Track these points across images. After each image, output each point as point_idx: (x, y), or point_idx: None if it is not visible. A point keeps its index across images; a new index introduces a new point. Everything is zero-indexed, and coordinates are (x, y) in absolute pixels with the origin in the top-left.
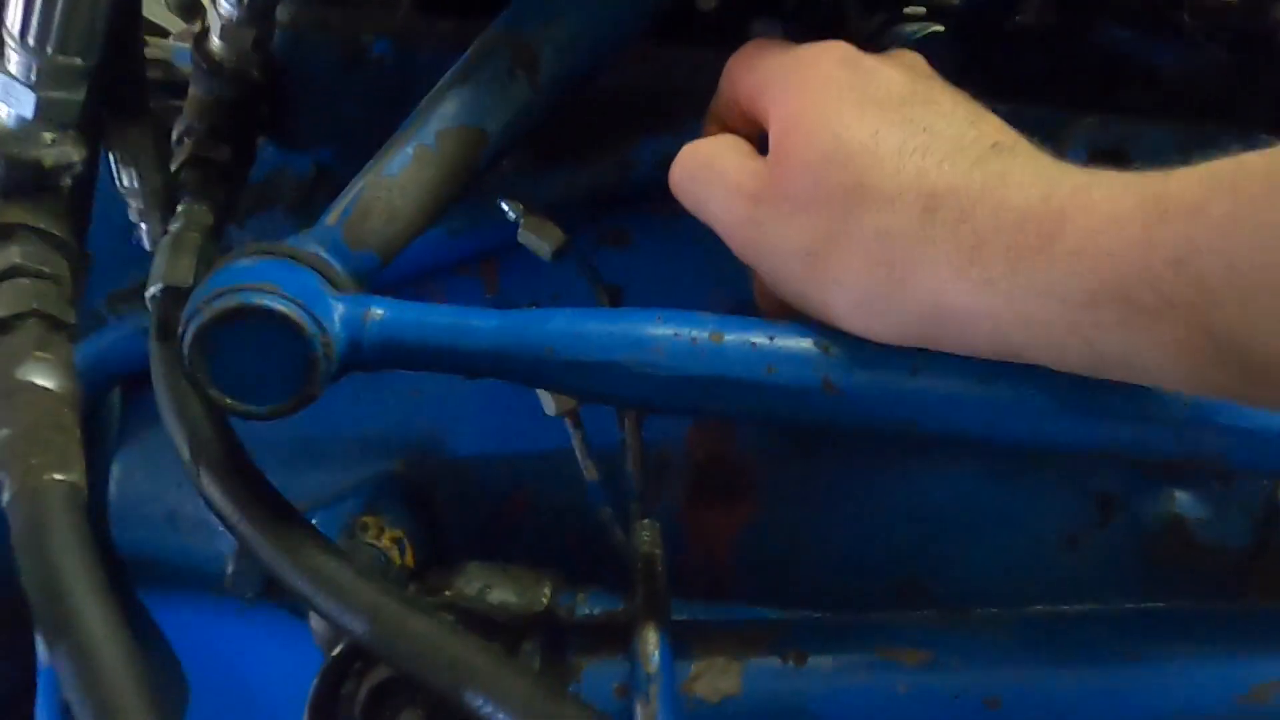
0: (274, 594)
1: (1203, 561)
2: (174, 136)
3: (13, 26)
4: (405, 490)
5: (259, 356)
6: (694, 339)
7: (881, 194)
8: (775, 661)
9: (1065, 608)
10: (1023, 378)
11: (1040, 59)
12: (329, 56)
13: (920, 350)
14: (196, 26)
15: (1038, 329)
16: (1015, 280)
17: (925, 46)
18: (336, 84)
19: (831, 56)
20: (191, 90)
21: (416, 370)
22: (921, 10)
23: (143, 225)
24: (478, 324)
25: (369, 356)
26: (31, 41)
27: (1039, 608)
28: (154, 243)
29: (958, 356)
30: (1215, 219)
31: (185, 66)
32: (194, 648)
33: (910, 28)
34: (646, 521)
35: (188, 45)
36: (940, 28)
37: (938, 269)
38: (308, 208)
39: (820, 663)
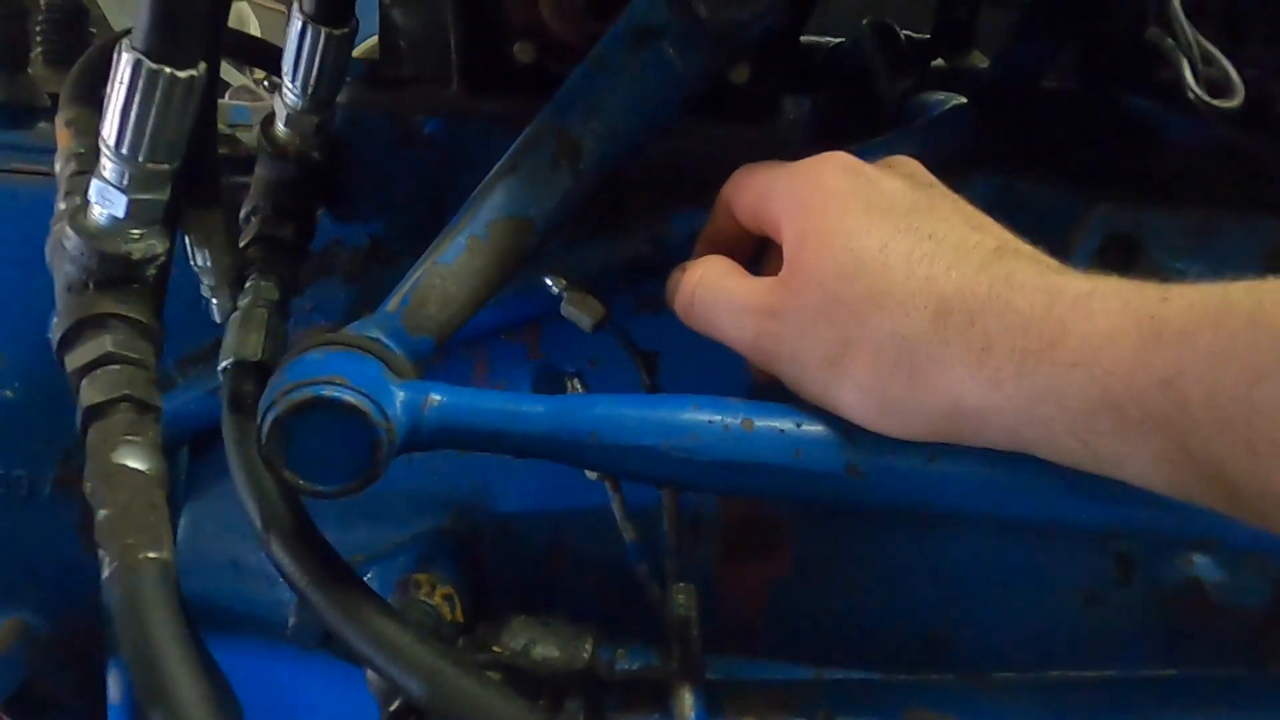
0: (331, 643)
1: (1220, 624)
2: (241, 214)
3: (109, 138)
4: (454, 545)
5: (328, 442)
6: (726, 425)
7: (894, 300)
8: None
9: (1084, 673)
10: (1035, 463)
11: (1062, 125)
12: (383, 135)
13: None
14: (247, 78)
15: (1042, 428)
16: (1021, 383)
17: (951, 115)
18: (390, 161)
19: (835, 167)
20: (258, 171)
21: (470, 450)
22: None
23: (214, 300)
24: (527, 410)
25: (427, 439)
26: (125, 150)
27: (1058, 673)
28: (224, 316)
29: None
30: (1201, 349)
31: (243, 129)
32: (253, 691)
33: (935, 96)
34: (683, 585)
35: (244, 102)
36: (964, 99)
37: (952, 370)
38: (363, 277)
39: None
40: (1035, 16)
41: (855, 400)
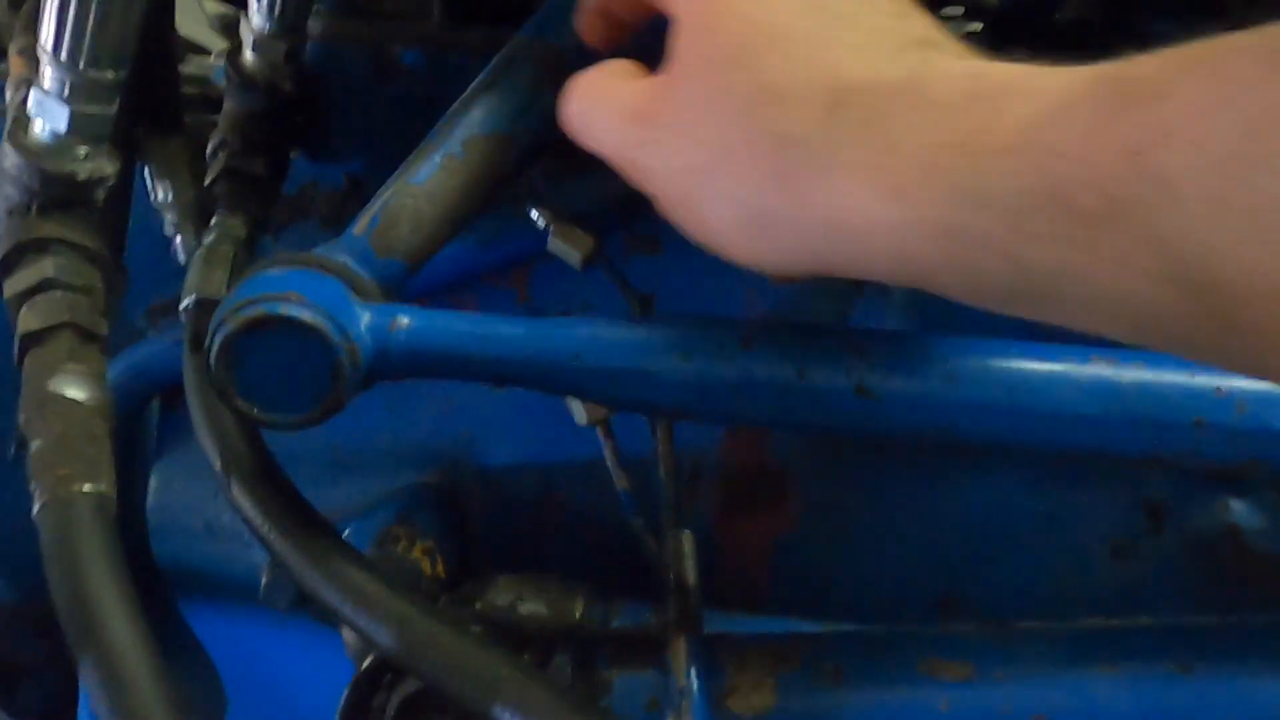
0: (308, 605)
1: (1259, 572)
2: (209, 150)
3: (46, 42)
4: (437, 500)
5: (285, 366)
6: (721, 343)
7: (782, 92)
8: (811, 676)
9: (1113, 621)
10: (1065, 381)
11: (1081, 57)
12: (360, 68)
13: (957, 354)
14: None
15: (952, 245)
16: (931, 187)
17: None
18: (367, 95)
19: None
20: (225, 104)
21: (443, 378)
22: (959, 10)
23: (178, 238)
24: (504, 331)
25: (396, 365)
26: (64, 56)
27: (1085, 621)
28: (189, 255)
29: (996, 360)
30: (1189, 100)
31: (222, 84)
32: (231, 657)
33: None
34: (682, 532)
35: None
36: (978, 25)
37: (841, 177)
38: (340, 220)
39: (859, 678)
40: None
41: (724, 217)
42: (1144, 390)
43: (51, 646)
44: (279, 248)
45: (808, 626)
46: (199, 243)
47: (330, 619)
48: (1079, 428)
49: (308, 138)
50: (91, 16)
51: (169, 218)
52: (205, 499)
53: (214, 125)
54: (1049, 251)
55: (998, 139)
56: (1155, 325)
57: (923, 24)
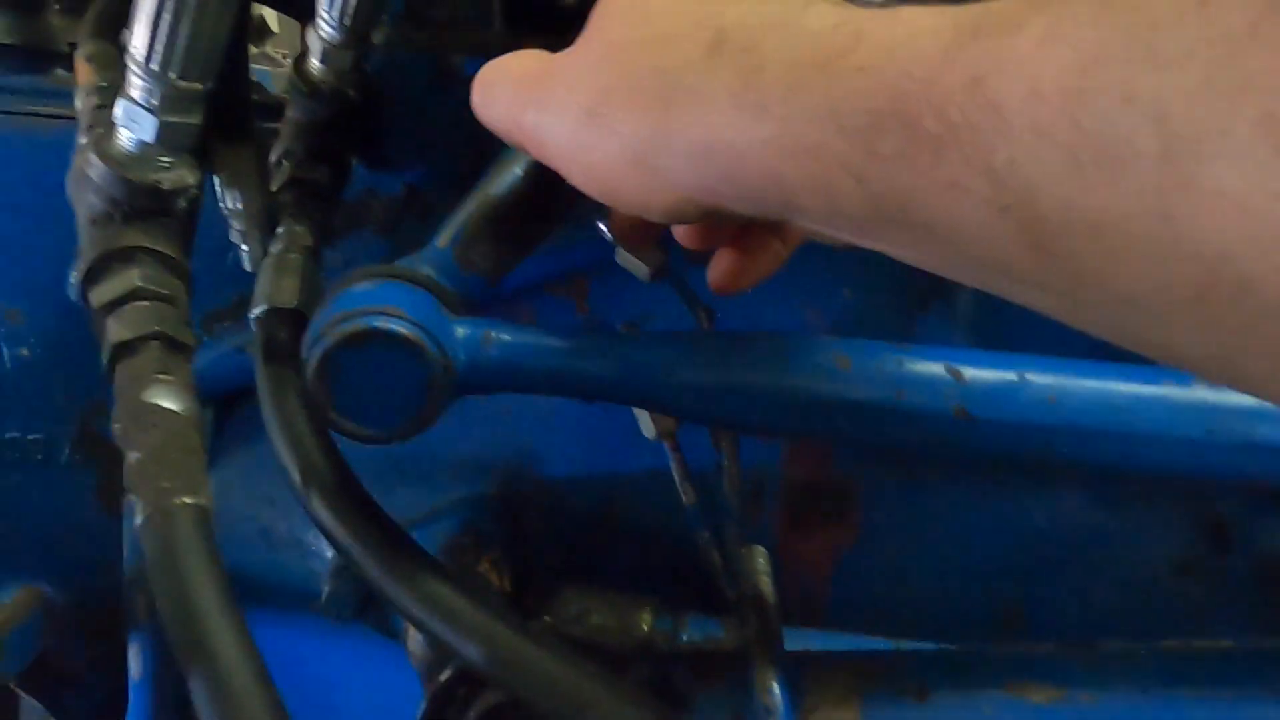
0: (367, 615)
1: None
2: (273, 158)
3: (137, 53)
4: (497, 511)
5: (380, 380)
6: (819, 362)
7: (667, 37)
8: (895, 694)
9: (1201, 642)
10: (1168, 405)
11: None
12: (421, 77)
13: (1056, 376)
14: (266, 48)
15: (810, 164)
16: (791, 102)
17: None
18: (427, 104)
19: None
20: (289, 112)
21: (531, 394)
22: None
23: (243, 247)
24: (598, 347)
25: (487, 379)
26: (155, 67)
27: (1172, 642)
28: (255, 264)
29: (1096, 383)
30: (1032, 35)
31: (270, 89)
32: (284, 665)
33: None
34: (756, 548)
35: (264, 66)
36: None
37: (714, 99)
38: (397, 229)
39: (944, 697)
40: None
41: (611, 156)
42: (1247, 413)
43: (99, 650)
44: (336, 256)
45: (869, 642)
46: (265, 251)
47: (393, 628)
48: (1182, 451)
49: (366, 146)
50: (185, 28)
51: (236, 225)
52: (261, 506)
53: (269, 132)
54: (895, 174)
55: (856, 60)
56: (987, 258)
57: None
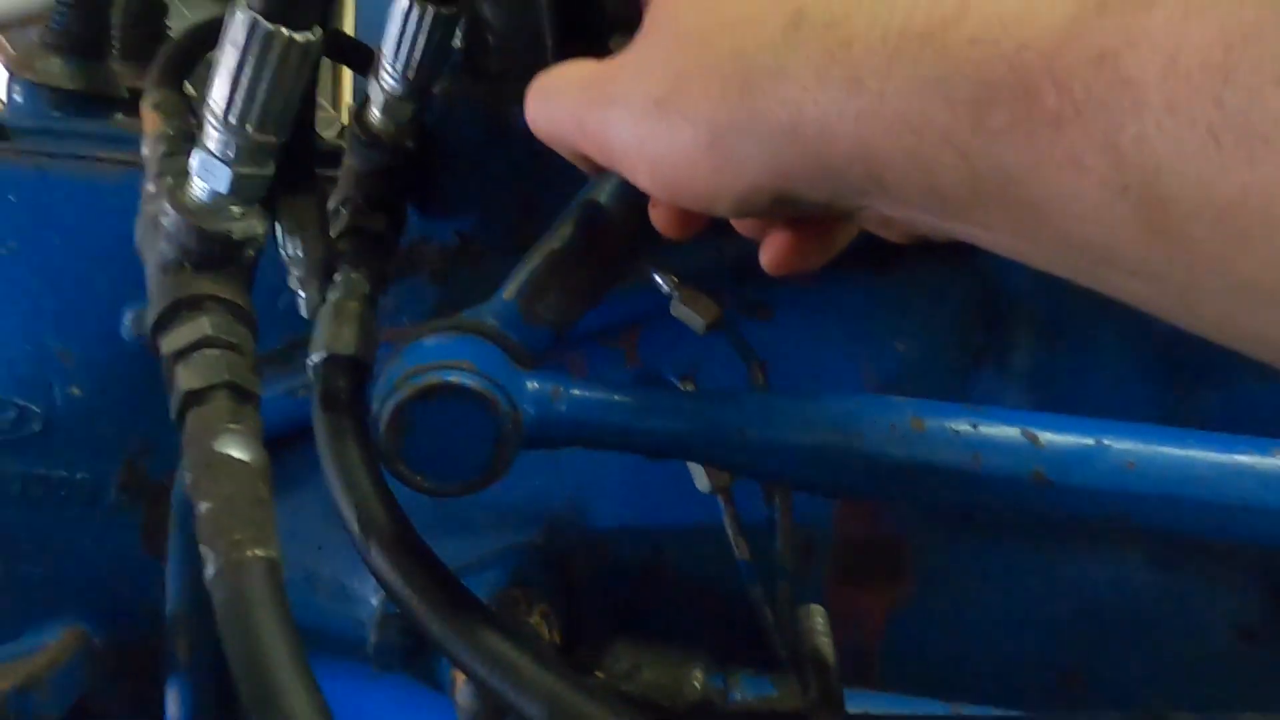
0: (413, 665)
1: None
2: (331, 205)
3: (216, 106)
4: (545, 561)
5: (450, 434)
6: (893, 424)
7: (742, 19)
8: None
9: (1269, 716)
10: (1248, 474)
11: None
12: (475, 128)
13: (1134, 441)
14: None
15: (908, 136)
16: (891, 76)
17: None
18: (482, 154)
19: None
20: (348, 161)
21: (599, 449)
22: None
23: (301, 293)
24: (667, 404)
25: (555, 434)
26: (233, 120)
27: (1243, 716)
28: (312, 311)
29: (1174, 449)
30: (1168, 11)
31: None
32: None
33: None
34: (815, 607)
35: None
36: None
37: (796, 75)
38: (450, 276)
39: None
40: None
41: (684, 145)
42: None
43: (137, 693)
44: (388, 303)
45: (924, 704)
46: (323, 298)
47: (437, 678)
48: (1264, 521)
49: (422, 194)
50: (265, 84)
51: (295, 272)
52: (307, 551)
53: (328, 180)
54: (1006, 150)
55: (965, 30)
56: (1097, 238)
57: None
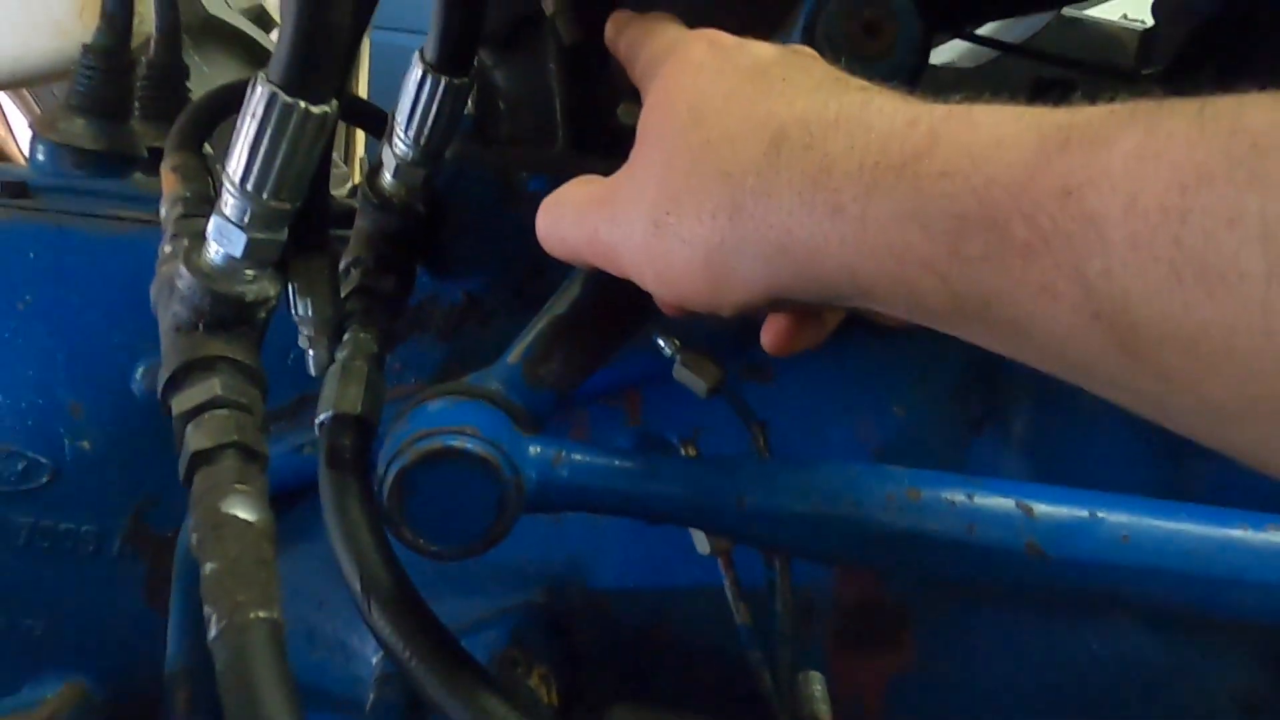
0: None
1: None
2: (342, 266)
3: (234, 174)
4: (545, 622)
5: (453, 498)
6: (890, 494)
7: (728, 139)
8: None
9: None
10: (1242, 548)
11: None
12: (486, 191)
13: (1128, 514)
14: None
15: (890, 263)
16: (870, 203)
17: None
18: (492, 217)
19: (701, 40)
20: (359, 223)
21: (600, 513)
22: None
23: (310, 351)
24: (667, 471)
25: (556, 499)
26: (250, 187)
27: None
28: (320, 369)
29: (1168, 523)
30: (1125, 150)
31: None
32: None
33: None
34: (813, 674)
35: None
36: None
37: (782, 199)
38: (457, 334)
39: None
40: None
41: (684, 261)
42: None
43: None
44: (395, 361)
45: None
46: (331, 357)
47: None
48: (1257, 596)
49: (431, 255)
50: (282, 154)
51: (305, 331)
52: (309, 607)
53: (339, 240)
54: (982, 275)
55: (936, 163)
56: (1074, 357)
57: (861, 81)
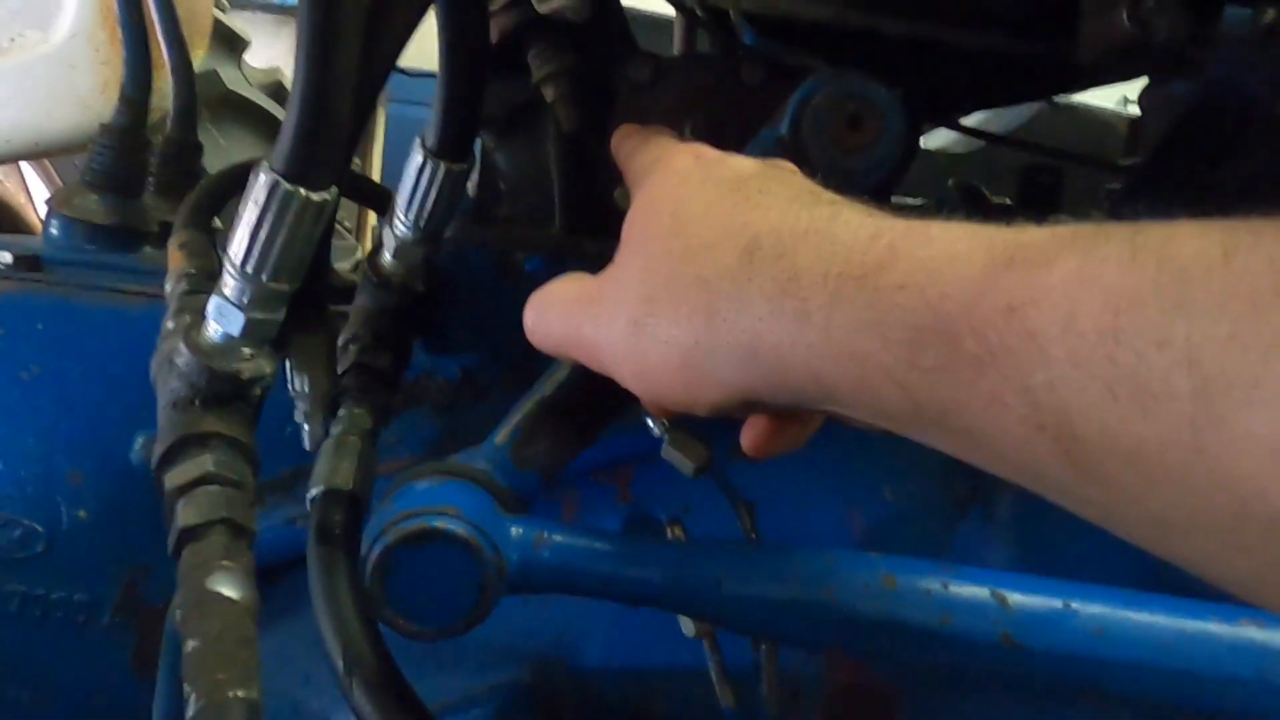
0: None
1: None
2: (340, 341)
3: (235, 256)
4: (531, 701)
5: (435, 578)
6: (866, 582)
7: (705, 247)
8: None
9: None
10: (1216, 642)
11: None
12: (484, 270)
13: (1104, 605)
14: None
15: (853, 370)
16: (834, 313)
17: None
18: (489, 296)
19: (687, 152)
20: (359, 300)
21: (581, 596)
22: None
23: (305, 426)
24: (648, 554)
25: (537, 580)
26: (250, 269)
27: None
28: (315, 444)
29: (1143, 615)
30: (1064, 272)
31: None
32: None
33: None
34: None
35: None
36: None
37: (752, 304)
38: (451, 410)
39: None
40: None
41: (661, 361)
42: None
43: None
44: (390, 433)
45: None
46: (326, 432)
47: None
48: (1232, 691)
49: (429, 332)
50: (281, 238)
51: (301, 406)
52: (295, 682)
53: (339, 315)
54: (937, 385)
55: (894, 276)
56: (1026, 466)
57: (834, 195)
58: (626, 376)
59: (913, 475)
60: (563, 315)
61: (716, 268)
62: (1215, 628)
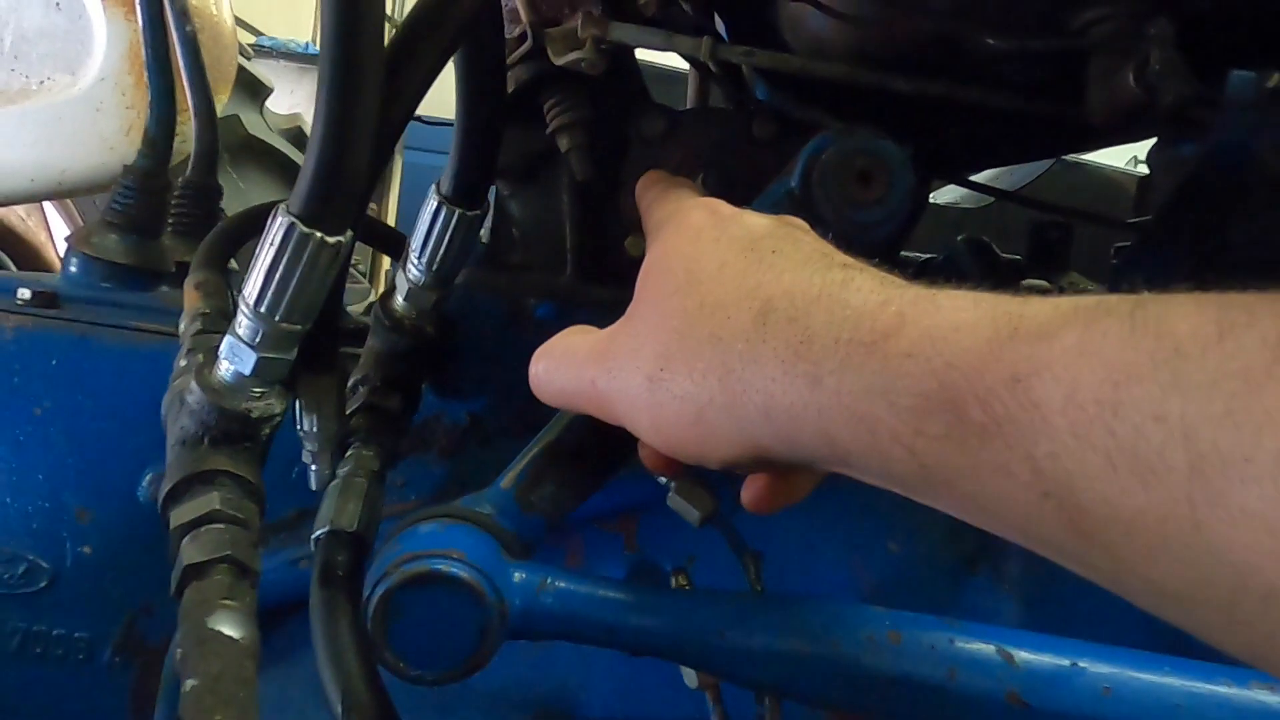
0: None
1: None
2: (350, 383)
3: (249, 296)
4: None
5: (436, 622)
6: (870, 636)
7: (719, 306)
8: None
9: None
10: (1225, 705)
11: None
12: (494, 316)
13: (1111, 665)
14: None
15: (863, 433)
16: (844, 377)
17: None
18: (499, 342)
19: (702, 207)
20: (370, 342)
21: (583, 643)
22: None
23: (313, 466)
24: (650, 602)
25: (539, 626)
26: (264, 309)
27: None
28: (321, 484)
29: (1151, 676)
30: (1065, 345)
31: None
32: None
33: None
34: None
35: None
36: None
37: (765, 366)
38: (458, 454)
39: None
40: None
41: (675, 416)
42: None
43: None
44: (397, 475)
45: None
46: (333, 473)
47: None
48: None
49: (438, 376)
50: (296, 279)
51: (309, 447)
52: None
53: (349, 357)
54: (943, 451)
55: (902, 344)
56: (1033, 531)
57: (845, 257)
58: (642, 427)
59: (921, 531)
60: (575, 369)
61: (731, 328)
62: (1224, 690)
